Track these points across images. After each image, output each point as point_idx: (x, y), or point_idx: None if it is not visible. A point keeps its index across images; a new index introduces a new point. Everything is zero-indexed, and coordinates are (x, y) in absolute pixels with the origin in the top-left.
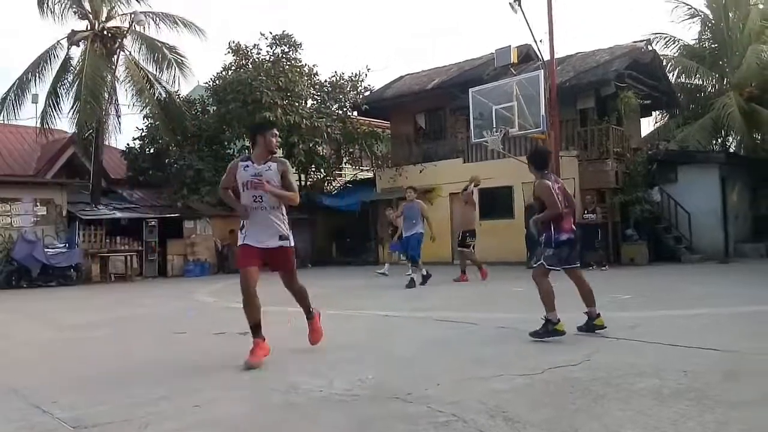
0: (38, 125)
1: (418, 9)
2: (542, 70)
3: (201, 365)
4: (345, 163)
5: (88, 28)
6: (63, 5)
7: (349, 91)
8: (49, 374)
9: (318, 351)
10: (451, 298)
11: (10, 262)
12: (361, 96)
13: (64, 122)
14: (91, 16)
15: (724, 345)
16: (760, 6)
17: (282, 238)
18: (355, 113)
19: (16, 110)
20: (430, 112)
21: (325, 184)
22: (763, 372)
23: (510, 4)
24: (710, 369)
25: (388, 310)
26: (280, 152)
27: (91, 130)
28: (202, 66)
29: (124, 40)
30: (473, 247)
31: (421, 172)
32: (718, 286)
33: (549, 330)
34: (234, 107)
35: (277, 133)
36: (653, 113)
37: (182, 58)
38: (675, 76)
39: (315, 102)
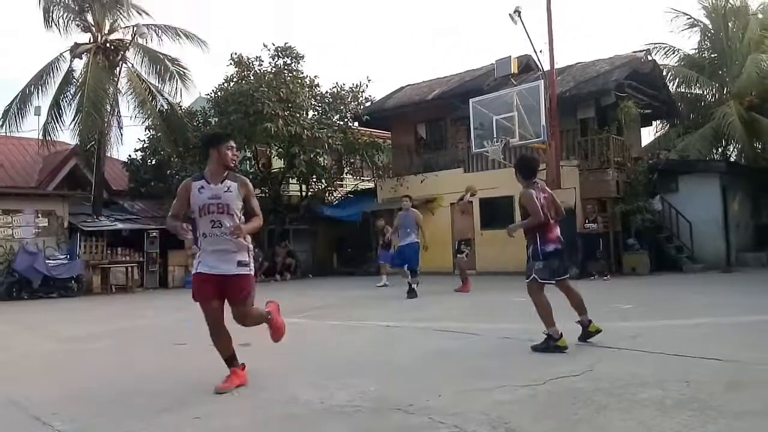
0: (40, 137)
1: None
2: (542, 80)
3: (202, 377)
4: (346, 173)
5: (91, 40)
6: (66, 18)
7: (350, 102)
8: (49, 386)
9: (319, 362)
10: (452, 308)
11: (12, 273)
12: (362, 107)
13: (66, 134)
14: (93, 28)
15: (726, 355)
16: (760, 16)
17: (241, 264)
18: (356, 124)
19: (18, 122)
20: (431, 122)
21: (326, 195)
22: (766, 382)
23: (510, 15)
24: (712, 379)
25: (390, 321)
26: (281, 163)
27: (93, 142)
28: (204, 78)
29: (127, 52)
30: (467, 255)
31: (422, 182)
32: (720, 296)
33: (550, 346)
34: (235, 118)
35: (234, 145)
36: (653, 123)
37: (184, 70)
38: (675, 85)
39: (316, 113)
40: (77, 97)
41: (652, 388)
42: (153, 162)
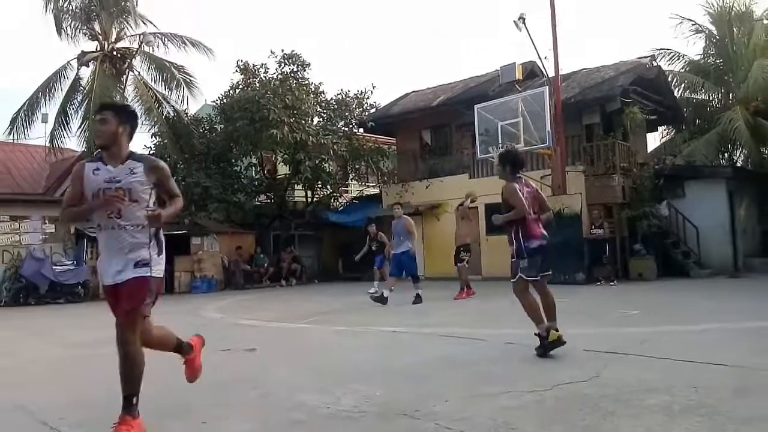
0: (48, 144)
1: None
2: (547, 87)
3: (208, 382)
4: (351, 179)
5: (98, 48)
6: (74, 27)
7: (355, 109)
8: (56, 391)
9: (325, 367)
10: (457, 314)
11: (19, 279)
12: (366, 113)
13: (73, 141)
14: (101, 37)
15: (734, 360)
16: (765, 21)
17: (139, 264)
18: (361, 130)
19: (26, 130)
20: (436, 128)
21: (332, 201)
22: None
23: (514, 22)
24: (720, 385)
25: (396, 326)
26: (286, 169)
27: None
28: (210, 85)
29: (133, 60)
30: (467, 262)
31: (427, 188)
32: (727, 301)
33: (547, 345)
34: (241, 125)
35: (103, 117)
36: (659, 128)
37: (190, 78)
38: (680, 91)
39: (321, 119)
40: (84, 105)
41: (660, 394)
42: None
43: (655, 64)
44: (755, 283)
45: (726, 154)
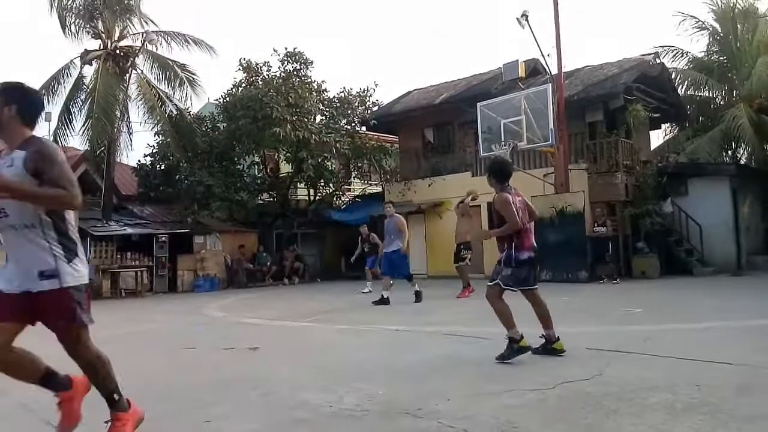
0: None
1: (425, 19)
2: (550, 84)
3: (211, 381)
4: (354, 177)
5: (101, 47)
6: (78, 25)
7: (358, 107)
8: None
9: (327, 366)
10: (460, 312)
11: None
12: (369, 111)
13: (77, 140)
14: (104, 35)
15: (737, 359)
16: None
17: (45, 275)
18: (364, 128)
19: None
20: (439, 126)
21: (334, 199)
22: None
23: (517, 19)
24: (723, 383)
25: (398, 325)
26: (289, 167)
27: (102, 148)
28: (212, 83)
29: (136, 59)
30: (469, 260)
31: (429, 185)
32: (730, 299)
33: (514, 349)
34: (244, 123)
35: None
36: (662, 126)
37: (193, 76)
38: (684, 88)
39: (324, 117)
40: (87, 103)
41: (663, 392)
42: (162, 167)
43: (658, 61)
44: (758, 281)
45: (729, 152)
